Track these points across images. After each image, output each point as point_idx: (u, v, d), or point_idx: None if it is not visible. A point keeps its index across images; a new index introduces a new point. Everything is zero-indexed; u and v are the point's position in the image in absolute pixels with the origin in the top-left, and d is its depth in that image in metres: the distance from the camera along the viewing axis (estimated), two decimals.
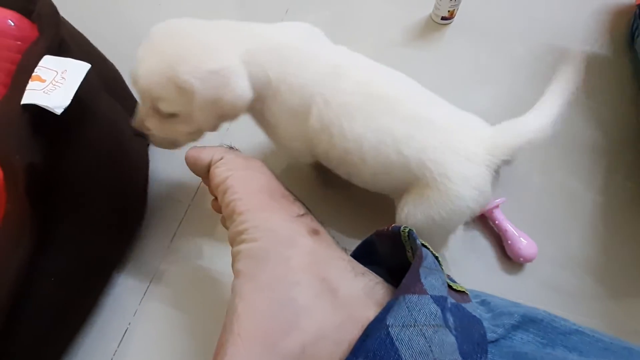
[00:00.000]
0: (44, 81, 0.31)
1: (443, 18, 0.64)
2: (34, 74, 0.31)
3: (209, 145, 0.29)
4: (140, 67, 0.32)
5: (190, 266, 0.46)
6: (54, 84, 0.31)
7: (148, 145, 0.50)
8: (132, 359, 0.41)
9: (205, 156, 0.27)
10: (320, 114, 0.35)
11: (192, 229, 0.48)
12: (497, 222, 0.46)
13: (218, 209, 0.28)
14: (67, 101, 0.30)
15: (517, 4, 0.69)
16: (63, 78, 0.31)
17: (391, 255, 0.25)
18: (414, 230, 0.22)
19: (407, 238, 0.22)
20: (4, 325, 0.31)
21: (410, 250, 0.22)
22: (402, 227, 0.22)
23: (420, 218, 0.34)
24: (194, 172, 0.30)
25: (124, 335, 0.41)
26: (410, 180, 0.35)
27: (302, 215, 0.24)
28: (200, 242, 0.47)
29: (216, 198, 0.27)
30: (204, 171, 0.28)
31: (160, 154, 0.52)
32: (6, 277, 0.32)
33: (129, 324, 0.42)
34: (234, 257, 0.22)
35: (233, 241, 0.23)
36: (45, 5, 0.35)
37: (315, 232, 0.23)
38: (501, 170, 0.50)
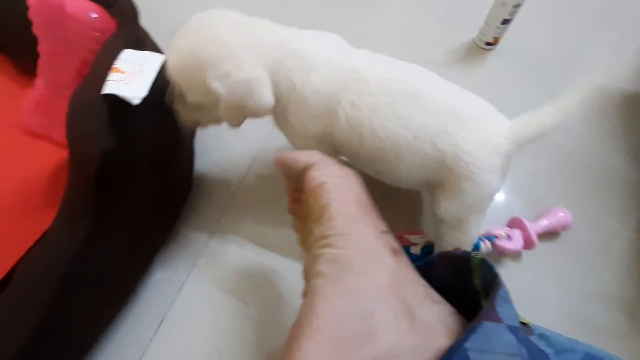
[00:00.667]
0: (123, 73, 0.32)
1: (487, 43, 0.65)
2: (113, 66, 0.32)
3: (303, 151, 0.30)
4: (173, 58, 0.34)
5: (232, 255, 0.47)
6: (133, 76, 0.32)
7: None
8: (168, 345, 0.41)
9: (302, 160, 0.28)
10: (348, 117, 0.36)
11: (236, 221, 0.49)
12: (537, 228, 0.46)
13: (295, 212, 0.29)
14: (144, 92, 0.32)
15: (562, 37, 0.70)
16: (140, 70, 0.33)
17: (452, 278, 0.25)
18: (487, 259, 0.23)
19: (478, 265, 0.23)
20: (59, 298, 0.32)
21: (478, 277, 0.23)
22: (473, 253, 0.23)
23: (458, 208, 0.36)
24: (283, 173, 0.30)
25: (160, 324, 0.42)
26: (443, 173, 0.36)
27: (385, 232, 0.24)
28: (244, 231, 0.48)
29: (294, 200, 0.28)
30: (296, 174, 0.29)
31: (209, 138, 0.54)
32: (64, 255, 0.33)
33: (167, 312, 0.43)
34: (315, 258, 0.23)
35: (314, 243, 0.24)
36: (126, 1, 0.37)
37: (395, 252, 0.23)
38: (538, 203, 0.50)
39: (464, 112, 0.35)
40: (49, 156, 0.42)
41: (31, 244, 0.38)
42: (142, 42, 0.36)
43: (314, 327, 0.19)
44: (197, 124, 0.40)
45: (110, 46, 0.35)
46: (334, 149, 0.40)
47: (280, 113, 0.38)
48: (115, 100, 0.31)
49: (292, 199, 0.30)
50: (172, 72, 0.34)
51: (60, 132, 0.42)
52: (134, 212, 0.38)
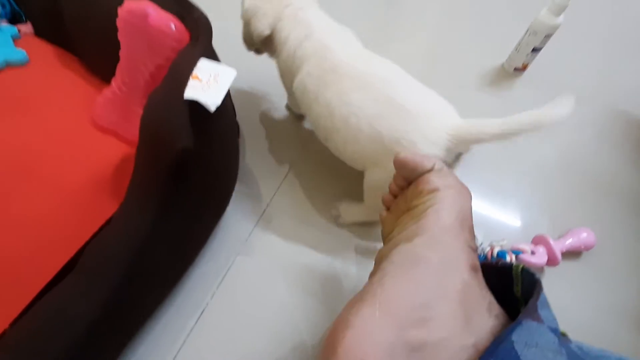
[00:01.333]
0: (201, 80, 0.36)
1: (516, 69, 0.69)
2: (193, 73, 0.36)
3: (426, 155, 0.33)
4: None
5: (271, 252, 0.50)
6: (209, 84, 0.36)
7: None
8: (207, 336, 0.44)
9: (426, 164, 0.31)
10: (303, 81, 0.45)
11: (275, 221, 0.52)
12: (560, 246, 0.49)
13: (388, 204, 0.32)
14: (219, 100, 0.35)
15: (589, 65, 0.73)
16: (215, 80, 0.36)
17: (493, 285, 0.28)
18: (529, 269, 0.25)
19: (519, 273, 0.25)
20: (124, 278, 0.36)
21: (519, 285, 0.26)
22: (514, 264, 0.26)
23: (384, 185, 0.38)
24: (402, 171, 0.33)
25: (200, 315, 0.45)
26: (378, 154, 0.40)
27: (474, 249, 0.27)
28: (276, 239, 0.51)
29: (392, 193, 0.31)
30: (415, 174, 0.31)
31: (243, 152, 0.58)
32: (132, 239, 0.37)
33: (206, 304, 0.46)
34: (397, 242, 0.26)
35: (402, 230, 0.27)
36: (202, 16, 0.41)
37: (474, 269, 0.25)
38: (562, 222, 0.53)
39: (409, 103, 0.40)
40: (114, 150, 0.45)
41: (96, 229, 0.41)
42: (215, 55, 0.40)
43: (377, 295, 0.22)
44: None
45: (187, 55, 0.39)
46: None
47: (275, 57, 0.50)
48: (194, 104, 0.35)
49: (391, 192, 0.33)
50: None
51: (126, 130, 0.46)
52: (193, 204, 0.42)
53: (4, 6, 0.54)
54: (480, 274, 0.26)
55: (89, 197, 0.43)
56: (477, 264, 0.26)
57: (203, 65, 0.37)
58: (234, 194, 0.52)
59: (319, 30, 0.45)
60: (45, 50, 0.53)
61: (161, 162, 0.35)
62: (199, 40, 0.39)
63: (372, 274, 0.27)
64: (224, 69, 0.37)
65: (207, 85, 0.36)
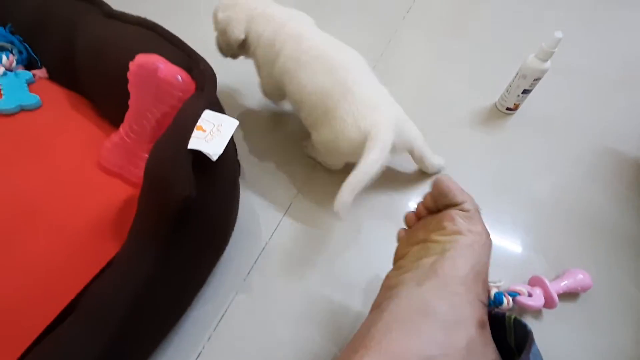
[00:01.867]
0: (204, 131, 0.38)
1: (508, 109, 0.71)
2: (197, 124, 0.38)
3: (463, 191, 0.33)
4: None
5: (262, 303, 0.50)
6: (212, 134, 0.38)
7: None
8: None
9: (459, 197, 0.31)
10: (284, 64, 0.53)
11: (270, 264, 0.53)
12: (557, 287, 0.49)
13: (410, 224, 0.32)
14: (221, 150, 0.37)
15: (580, 104, 0.75)
16: (219, 130, 0.39)
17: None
18: (520, 318, 0.26)
19: (511, 324, 0.26)
20: (126, 320, 0.36)
21: (511, 336, 0.26)
22: (507, 314, 0.27)
23: (323, 138, 0.52)
24: (434, 191, 0.33)
25: (198, 356, 0.45)
26: (325, 116, 0.50)
27: (484, 304, 0.26)
28: (275, 279, 0.52)
29: (417, 215, 0.31)
30: (444, 200, 0.31)
31: (244, 189, 0.59)
32: (133, 281, 0.37)
33: (203, 346, 0.46)
34: (407, 279, 0.26)
35: (414, 261, 0.26)
36: (207, 67, 0.44)
37: (482, 325, 0.25)
38: (558, 263, 0.53)
39: (359, 89, 0.49)
40: (118, 192, 0.47)
41: (97, 271, 0.42)
42: (219, 107, 0.42)
43: (382, 346, 0.22)
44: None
45: (192, 105, 0.41)
46: (282, 92, 0.57)
47: (254, 57, 0.58)
48: (197, 154, 0.37)
49: (418, 212, 0.33)
50: (215, 11, 0.56)
51: (131, 172, 0.48)
52: (194, 248, 0.43)
53: (21, 53, 0.58)
54: (487, 330, 0.26)
55: (91, 239, 0.44)
56: (486, 319, 0.26)
57: (207, 116, 0.39)
58: (233, 230, 0.53)
59: (288, 21, 0.54)
60: (58, 94, 0.56)
61: (164, 209, 0.37)
62: (204, 91, 0.42)
63: (376, 305, 0.27)
64: (226, 120, 0.40)
65: (210, 135, 0.38)
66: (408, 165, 0.63)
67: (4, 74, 0.55)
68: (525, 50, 0.65)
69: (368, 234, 0.57)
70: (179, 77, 0.43)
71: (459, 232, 0.28)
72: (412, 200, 0.60)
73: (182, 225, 0.37)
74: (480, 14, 0.97)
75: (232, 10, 0.55)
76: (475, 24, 0.94)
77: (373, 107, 0.49)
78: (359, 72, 0.52)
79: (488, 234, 0.30)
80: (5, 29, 0.58)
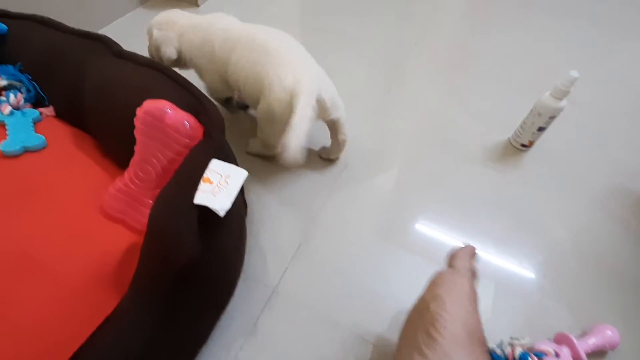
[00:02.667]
0: (211, 183, 0.36)
1: (523, 145, 0.69)
2: (204, 176, 0.37)
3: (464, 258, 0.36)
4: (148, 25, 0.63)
5: (269, 354, 0.47)
6: (219, 187, 0.36)
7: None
8: None
9: (460, 263, 0.35)
10: (219, 57, 0.58)
11: (275, 316, 0.50)
12: (585, 346, 0.46)
13: None
14: (228, 204, 0.35)
15: (599, 143, 0.73)
16: (226, 182, 0.37)
17: None
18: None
19: None
20: None
21: None
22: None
23: (262, 109, 0.55)
24: (450, 256, 0.37)
25: None
26: (258, 98, 0.55)
27: None
28: (282, 329, 0.49)
29: None
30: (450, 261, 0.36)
31: (251, 237, 0.57)
32: (135, 337, 0.35)
33: None
34: (410, 350, 0.25)
35: (415, 342, 0.26)
36: (215, 112, 0.43)
37: None
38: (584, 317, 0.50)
39: (282, 56, 0.54)
40: (120, 239, 0.45)
41: (96, 326, 0.40)
42: (227, 152, 0.41)
43: None
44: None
45: (199, 153, 0.39)
46: (227, 83, 0.61)
47: (194, 66, 0.63)
48: (204, 210, 0.35)
49: None
50: (147, 29, 0.63)
51: (134, 219, 0.46)
52: (197, 304, 0.40)
53: (29, 91, 0.58)
54: None
55: (90, 290, 0.42)
56: None
57: (214, 166, 0.38)
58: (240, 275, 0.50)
59: (213, 22, 0.61)
60: (64, 133, 0.55)
61: (167, 268, 0.35)
62: (212, 138, 0.40)
63: None
64: (234, 170, 0.38)
65: (217, 187, 0.36)
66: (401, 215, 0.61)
67: (11, 113, 0.54)
68: (538, 85, 0.64)
69: (380, 280, 0.54)
70: (187, 123, 0.42)
71: (454, 283, 0.31)
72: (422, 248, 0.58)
73: (186, 283, 0.35)
74: (489, 48, 0.97)
75: (166, 29, 0.61)
76: (485, 58, 0.94)
77: (295, 68, 0.53)
78: (281, 43, 0.57)
79: (476, 295, 0.32)
80: (14, 67, 0.58)
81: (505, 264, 0.56)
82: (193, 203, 0.34)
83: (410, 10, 1.11)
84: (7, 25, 0.60)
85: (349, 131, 0.64)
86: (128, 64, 0.52)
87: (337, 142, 0.64)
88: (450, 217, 0.61)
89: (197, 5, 1.14)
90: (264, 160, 0.68)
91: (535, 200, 0.64)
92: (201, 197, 0.35)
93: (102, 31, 0.83)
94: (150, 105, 0.42)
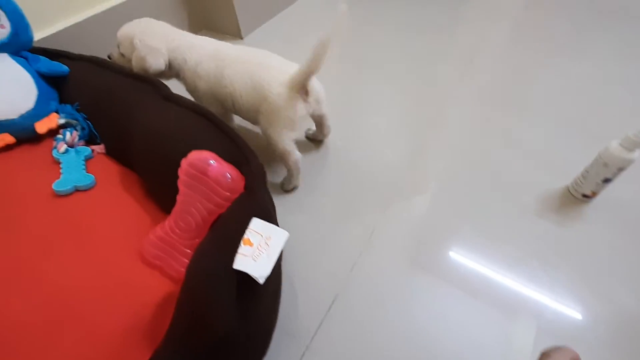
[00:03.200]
0: (252, 245, 0.35)
1: (584, 195, 0.63)
2: (244, 237, 0.35)
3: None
4: (124, 29, 0.64)
5: None
6: (260, 250, 0.35)
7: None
8: None
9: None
10: (214, 75, 0.63)
11: None
12: None
13: None
14: (269, 270, 0.33)
15: None
16: (267, 244, 0.35)
17: None
18: None
19: None
20: None
21: None
22: None
23: (265, 121, 0.61)
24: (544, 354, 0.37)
25: None
26: (260, 104, 0.61)
27: None
28: None
29: None
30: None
31: (284, 282, 0.55)
32: None
33: None
34: None
35: None
36: (258, 165, 0.42)
37: None
38: None
39: (270, 61, 0.62)
40: (157, 287, 0.45)
41: None
42: (268, 206, 0.40)
43: None
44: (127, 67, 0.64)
45: (240, 211, 0.38)
46: (217, 100, 0.65)
47: (184, 81, 0.67)
48: (242, 274, 0.33)
49: None
50: (120, 35, 0.63)
51: (171, 267, 0.45)
52: None
53: (83, 129, 0.60)
54: None
55: (124, 345, 0.41)
56: None
57: (255, 226, 0.36)
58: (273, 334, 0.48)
59: (206, 44, 0.65)
60: (112, 171, 0.57)
61: (200, 336, 0.33)
62: (254, 194, 0.39)
63: None
64: (276, 232, 0.36)
65: (257, 250, 0.35)
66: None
67: (66, 150, 0.57)
68: (602, 131, 0.58)
69: (421, 337, 0.49)
70: (228, 176, 0.41)
71: None
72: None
73: (219, 352, 0.33)
74: (544, 84, 0.91)
75: (152, 41, 0.62)
76: (539, 95, 0.88)
77: (284, 69, 0.60)
78: (264, 56, 0.64)
79: None
80: (72, 106, 0.61)
81: (560, 332, 0.50)
82: (232, 268, 0.33)
83: (454, 42, 1.08)
84: (72, 67, 0.64)
85: (392, 172, 0.61)
86: (175, 107, 0.53)
87: (322, 133, 0.75)
88: (499, 267, 0.56)
89: (241, 38, 1.18)
90: (302, 211, 0.66)
91: (597, 259, 0.57)
92: (241, 262, 0.33)
93: None
94: (194, 157, 0.42)
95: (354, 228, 0.63)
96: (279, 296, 0.46)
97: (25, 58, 0.62)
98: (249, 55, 0.63)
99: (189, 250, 0.44)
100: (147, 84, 0.58)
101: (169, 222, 0.44)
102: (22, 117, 0.58)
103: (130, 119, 0.56)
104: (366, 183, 0.69)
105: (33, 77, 0.60)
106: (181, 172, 0.42)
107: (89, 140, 0.61)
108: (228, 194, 0.41)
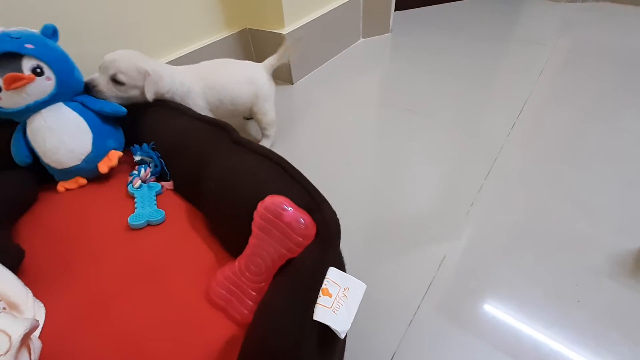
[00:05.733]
0: (330, 296, 0.35)
1: None
2: (323, 287, 0.35)
3: None
4: (116, 56, 0.69)
5: None
6: (338, 301, 0.34)
7: None
8: None
9: None
10: (200, 91, 0.81)
11: None
12: None
13: None
14: (349, 324, 0.33)
15: None
16: (345, 296, 0.35)
17: None
18: None
19: None
20: None
21: None
22: None
23: (266, 101, 0.89)
24: None
25: None
26: (258, 90, 0.87)
27: None
28: None
29: None
30: None
31: None
32: None
33: None
34: None
35: None
36: (331, 213, 0.43)
37: None
38: None
39: (234, 63, 0.87)
40: (221, 330, 0.44)
41: None
42: (343, 259, 0.40)
43: None
44: (113, 98, 0.70)
45: (317, 260, 0.38)
46: (214, 105, 0.84)
47: (180, 99, 0.78)
48: (320, 329, 0.32)
49: None
50: (119, 63, 0.68)
51: (236, 309, 0.45)
52: None
53: (156, 166, 0.65)
54: None
55: None
56: None
57: (333, 276, 0.36)
58: None
59: (188, 71, 0.81)
60: (180, 207, 0.60)
61: None
62: (329, 244, 0.39)
63: None
64: (354, 283, 0.36)
65: (337, 302, 0.34)
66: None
67: (140, 186, 0.61)
68: None
69: None
70: (302, 221, 0.42)
71: None
72: None
73: None
74: (608, 138, 0.88)
75: (159, 69, 0.73)
76: (603, 149, 0.85)
77: (249, 63, 0.88)
78: (227, 60, 0.87)
79: None
80: (148, 145, 0.66)
81: None
82: (313, 320, 0.33)
83: (506, 91, 1.09)
84: (149, 109, 0.70)
85: (446, 231, 0.60)
86: (244, 151, 0.56)
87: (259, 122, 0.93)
88: (572, 339, 0.51)
89: (292, 83, 1.25)
90: (358, 259, 0.65)
91: None
92: (322, 314, 0.33)
93: None
94: (270, 201, 0.43)
95: (414, 273, 0.61)
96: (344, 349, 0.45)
97: (81, 102, 0.64)
98: (217, 64, 0.85)
99: (254, 293, 0.44)
100: (218, 128, 0.62)
101: (239, 263, 0.45)
102: (85, 161, 0.62)
103: (200, 160, 0.59)
104: (414, 235, 0.68)
105: (87, 120, 0.63)
106: (256, 215, 0.43)
107: (159, 177, 0.65)
108: (300, 239, 0.42)
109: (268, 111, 0.89)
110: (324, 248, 0.39)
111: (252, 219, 0.45)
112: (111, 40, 0.90)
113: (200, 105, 0.80)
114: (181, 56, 1.05)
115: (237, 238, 0.49)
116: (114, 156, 0.64)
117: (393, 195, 0.77)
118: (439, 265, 0.62)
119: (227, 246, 0.53)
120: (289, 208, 0.42)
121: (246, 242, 0.46)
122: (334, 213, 0.43)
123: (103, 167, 0.63)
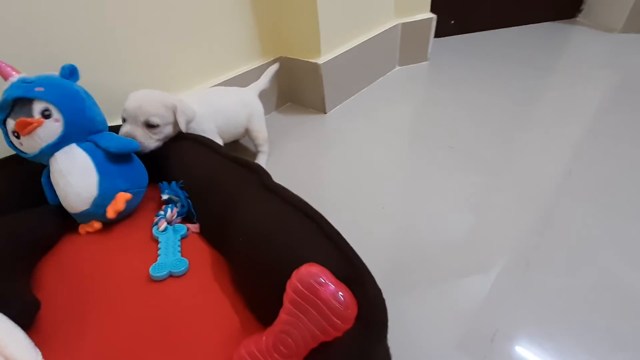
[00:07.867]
0: None
1: None
2: None
3: None
4: (139, 102, 0.67)
5: None
6: None
7: None
8: None
9: None
10: (216, 112, 0.84)
11: None
12: None
13: None
14: None
15: None
16: None
17: None
18: None
19: None
20: None
21: None
22: None
23: (259, 121, 0.95)
24: None
25: None
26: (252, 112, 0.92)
27: None
28: None
29: None
30: None
31: None
32: None
33: None
34: None
35: None
36: (377, 292, 0.37)
37: None
38: None
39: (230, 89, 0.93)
40: None
41: None
42: (390, 355, 0.33)
43: None
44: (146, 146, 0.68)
45: (362, 352, 0.32)
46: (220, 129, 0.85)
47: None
48: None
49: None
50: (146, 107, 0.66)
51: None
52: None
53: (183, 206, 0.62)
54: None
55: None
56: None
57: None
58: None
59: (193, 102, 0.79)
60: (205, 255, 0.56)
61: None
62: (377, 334, 0.33)
63: None
64: None
65: None
66: None
67: (165, 229, 0.58)
68: None
69: None
70: (342, 299, 0.36)
71: None
72: None
73: None
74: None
75: (179, 98, 0.73)
76: None
77: (239, 89, 0.94)
78: (221, 88, 0.93)
79: None
80: (177, 184, 0.63)
81: None
82: None
83: (557, 129, 1.00)
84: (180, 144, 0.68)
85: (493, 285, 0.52)
86: (276, 200, 0.51)
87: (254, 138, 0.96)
88: None
89: (325, 113, 1.22)
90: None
91: None
92: None
93: None
94: (307, 271, 0.38)
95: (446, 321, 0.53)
96: None
97: (94, 142, 0.59)
98: (214, 91, 0.91)
99: None
100: (250, 171, 0.58)
101: (266, 340, 0.39)
102: (94, 205, 0.58)
103: (229, 204, 0.55)
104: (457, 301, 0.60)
105: (95, 161, 0.58)
106: (289, 287, 0.38)
107: (186, 217, 0.62)
108: (338, 321, 0.36)
109: (262, 129, 0.94)
110: (368, 340, 0.33)
111: (281, 284, 0.40)
112: (150, 68, 0.90)
113: (212, 130, 0.81)
114: (215, 85, 1.04)
115: (263, 300, 0.44)
116: (121, 199, 0.59)
117: (430, 245, 0.69)
118: (491, 342, 0.54)
119: (252, 306, 0.47)
120: (328, 282, 0.37)
121: (273, 307, 0.40)
122: (379, 291, 0.37)
123: (110, 213, 0.58)
